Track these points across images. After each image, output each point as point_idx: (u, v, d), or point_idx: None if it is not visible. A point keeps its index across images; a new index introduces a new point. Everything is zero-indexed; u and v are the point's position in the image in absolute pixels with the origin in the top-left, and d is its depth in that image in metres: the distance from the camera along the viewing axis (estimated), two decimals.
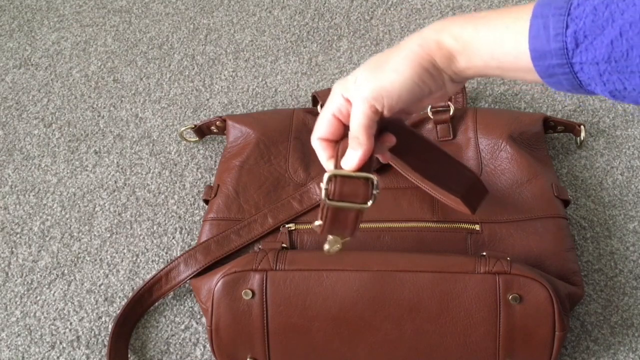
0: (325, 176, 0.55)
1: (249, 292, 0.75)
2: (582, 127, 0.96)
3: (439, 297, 0.72)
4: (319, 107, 0.96)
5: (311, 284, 0.74)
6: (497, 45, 0.50)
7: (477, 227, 0.82)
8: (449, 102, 0.92)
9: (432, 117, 0.92)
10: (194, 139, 1.02)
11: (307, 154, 0.91)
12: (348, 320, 0.74)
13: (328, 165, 0.58)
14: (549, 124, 0.95)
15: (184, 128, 1.01)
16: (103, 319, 0.86)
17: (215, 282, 0.76)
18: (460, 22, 0.52)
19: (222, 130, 0.99)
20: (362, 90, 0.54)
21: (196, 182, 0.98)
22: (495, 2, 1.19)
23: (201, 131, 1.00)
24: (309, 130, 0.91)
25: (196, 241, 0.92)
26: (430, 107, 0.91)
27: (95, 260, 0.91)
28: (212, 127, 0.99)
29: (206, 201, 0.90)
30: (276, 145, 0.92)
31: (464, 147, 0.90)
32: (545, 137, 0.95)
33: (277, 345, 0.76)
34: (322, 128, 0.58)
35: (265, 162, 0.90)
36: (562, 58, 0.47)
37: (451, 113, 0.91)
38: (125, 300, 0.87)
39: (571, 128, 0.97)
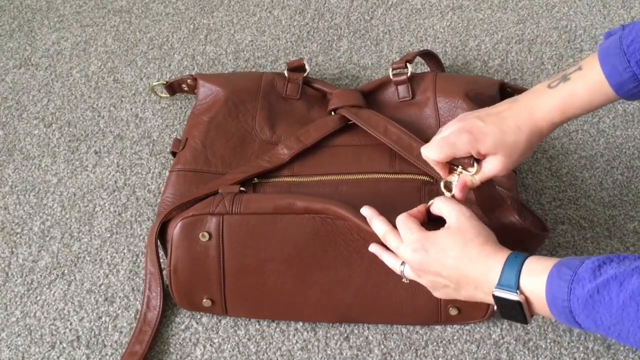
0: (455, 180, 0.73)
1: (206, 234, 0.79)
2: None
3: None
4: (285, 71, 0.99)
5: (265, 227, 0.79)
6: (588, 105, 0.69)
7: (431, 179, 0.85)
8: (407, 64, 0.96)
9: (392, 78, 0.96)
10: (164, 95, 1.07)
11: (273, 113, 0.95)
12: (300, 260, 0.79)
13: (442, 172, 0.75)
14: (506, 91, 0.98)
15: (156, 83, 1.06)
16: (103, 319, 0.86)
17: (174, 225, 0.80)
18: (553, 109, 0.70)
19: (193, 89, 1.03)
20: (502, 167, 0.71)
21: None
22: (495, 2, 1.19)
23: (172, 88, 1.06)
24: (277, 92, 0.97)
25: (161, 193, 0.94)
26: (391, 69, 0.97)
27: (95, 260, 0.91)
28: (183, 85, 1.04)
29: (173, 153, 0.93)
30: (244, 104, 0.95)
31: (423, 105, 0.94)
32: None
33: (232, 286, 0.81)
34: (440, 155, 0.72)
35: (233, 119, 0.94)
36: (636, 81, 0.65)
37: (409, 74, 0.95)
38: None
39: None
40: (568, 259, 0.60)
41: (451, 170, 0.74)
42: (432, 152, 0.73)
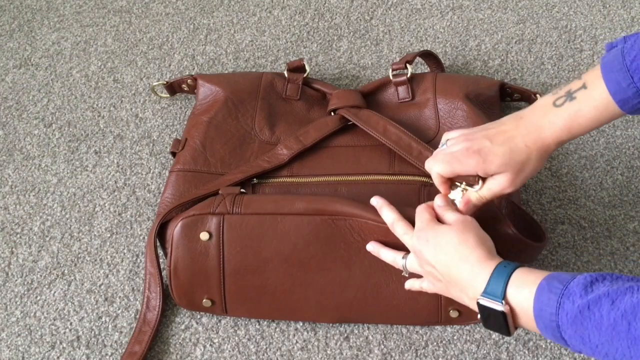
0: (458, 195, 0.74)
1: (207, 233, 0.79)
2: (537, 95, 0.99)
3: (385, 241, 0.76)
4: (285, 72, 1.00)
5: (266, 227, 0.79)
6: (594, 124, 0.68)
7: (430, 180, 0.84)
8: (407, 65, 0.96)
9: (392, 79, 0.96)
10: (164, 95, 1.07)
11: (273, 114, 0.95)
12: (300, 261, 0.79)
13: (442, 188, 0.75)
14: (506, 91, 0.99)
15: (156, 83, 1.06)
16: (103, 319, 0.86)
17: (175, 224, 0.80)
18: (557, 130, 0.69)
19: (193, 89, 1.03)
20: (508, 183, 0.70)
21: None
22: (495, 2, 1.19)
23: (172, 88, 1.06)
24: (277, 92, 0.98)
25: (161, 193, 0.95)
26: (391, 70, 0.96)
27: (95, 260, 0.91)
28: (183, 85, 1.04)
29: (173, 154, 0.94)
30: (244, 104, 0.95)
31: (423, 106, 0.94)
32: (503, 106, 1.00)
33: (232, 286, 0.81)
34: (446, 170, 0.73)
35: (233, 119, 0.94)
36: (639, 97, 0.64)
37: (408, 75, 0.95)
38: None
39: (527, 96, 1.00)
40: (560, 273, 0.59)
41: (452, 186, 0.74)
42: (439, 166, 0.73)
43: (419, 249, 0.69)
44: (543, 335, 0.59)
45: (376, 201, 0.76)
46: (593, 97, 0.67)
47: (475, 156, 0.70)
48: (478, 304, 0.63)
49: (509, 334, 0.63)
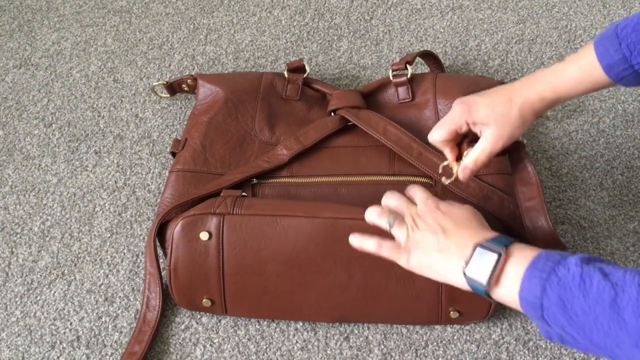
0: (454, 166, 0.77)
1: (207, 233, 0.79)
2: None
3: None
4: (285, 72, 1.00)
5: (265, 228, 0.79)
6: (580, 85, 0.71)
7: (430, 181, 0.85)
8: (407, 65, 0.96)
9: (392, 79, 0.96)
10: (164, 95, 1.07)
11: (272, 114, 0.95)
12: (300, 263, 0.79)
13: (449, 154, 0.77)
14: None
15: (156, 83, 1.06)
16: (103, 319, 0.86)
17: (175, 224, 0.80)
18: (544, 87, 0.73)
19: (193, 89, 1.03)
20: (495, 138, 0.73)
21: None
22: (495, 2, 1.19)
23: (172, 88, 1.06)
24: (277, 92, 0.98)
25: (161, 193, 0.95)
26: (391, 70, 0.97)
27: (95, 260, 0.91)
28: (183, 85, 1.04)
29: (173, 154, 0.94)
30: (244, 105, 0.95)
31: (423, 107, 0.94)
32: None
33: (232, 287, 0.81)
34: (444, 134, 0.75)
35: (233, 119, 0.94)
36: (625, 63, 0.67)
37: (408, 76, 0.95)
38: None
39: None
40: (563, 252, 0.59)
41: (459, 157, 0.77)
42: (436, 133, 0.76)
43: (431, 203, 0.69)
44: (521, 302, 0.58)
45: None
46: (580, 58, 0.71)
47: (461, 105, 0.74)
48: (478, 244, 0.62)
49: (489, 285, 0.60)
